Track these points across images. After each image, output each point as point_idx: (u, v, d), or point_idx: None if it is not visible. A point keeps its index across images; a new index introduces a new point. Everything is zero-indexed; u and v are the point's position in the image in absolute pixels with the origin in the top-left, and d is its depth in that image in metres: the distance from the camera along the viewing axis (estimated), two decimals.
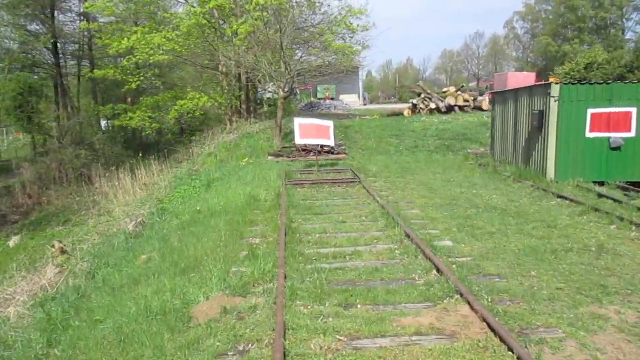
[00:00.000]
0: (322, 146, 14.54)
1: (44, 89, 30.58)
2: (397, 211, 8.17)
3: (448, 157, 16.17)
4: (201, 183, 13.91)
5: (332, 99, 54.19)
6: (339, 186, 11.14)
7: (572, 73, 40.25)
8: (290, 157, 15.90)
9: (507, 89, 15.91)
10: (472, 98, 25.92)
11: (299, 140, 13.20)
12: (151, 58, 21.29)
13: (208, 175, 14.85)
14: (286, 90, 17.54)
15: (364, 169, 13.45)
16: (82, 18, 31.10)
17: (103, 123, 35.40)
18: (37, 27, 30.90)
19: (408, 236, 6.68)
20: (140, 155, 22.18)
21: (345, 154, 15.84)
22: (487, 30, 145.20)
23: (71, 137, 31.30)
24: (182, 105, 22.04)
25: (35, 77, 31.57)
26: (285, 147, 16.97)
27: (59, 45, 30.89)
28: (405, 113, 23.71)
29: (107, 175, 23.59)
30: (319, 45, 19.83)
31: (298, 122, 13.26)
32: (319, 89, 54.60)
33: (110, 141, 30.84)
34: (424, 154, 16.83)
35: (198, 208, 10.20)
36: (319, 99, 52.36)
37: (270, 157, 16.44)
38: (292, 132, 19.15)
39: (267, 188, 10.71)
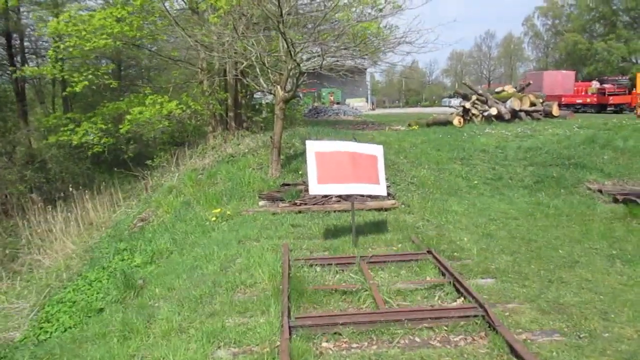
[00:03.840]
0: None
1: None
2: None
3: (568, 201, 9.35)
4: (123, 271, 7.09)
5: (338, 103, 47.88)
6: (436, 337, 4.21)
7: None
8: (296, 204, 9.07)
9: None
10: (541, 100, 19.09)
11: (317, 188, 6.27)
12: (87, 45, 14.55)
13: (146, 248, 8.06)
14: (288, 88, 10.69)
15: (447, 243, 6.66)
16: None
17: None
18: None
19: None
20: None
21: (395, 198, 8.95)
22: (497, 30, 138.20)
23: (19, 153, 24.85)
24: (138, 114, 15.20)
25: None
26: (287, 185, 10.10)
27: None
28: (455, 121, 16.85)
29: (53, 204, 17.39)
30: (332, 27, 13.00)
31: (313, 150, 6.39)
32: (322, 92, 48.37)
33: (69, 158, 24.13)
34: (520, 194, 10.02)
35: None
36: (323, 103, 45.99)
37: (262, 203, 9.61)
38: (297, 155, 12.27)
39: (248, 323, 4.05)
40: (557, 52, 71.82)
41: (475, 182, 10.79)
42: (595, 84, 42.97)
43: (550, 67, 68.02)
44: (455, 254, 6.22)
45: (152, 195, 12.85)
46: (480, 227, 7.45)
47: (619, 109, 37.70)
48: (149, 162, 15.21)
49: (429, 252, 5.87)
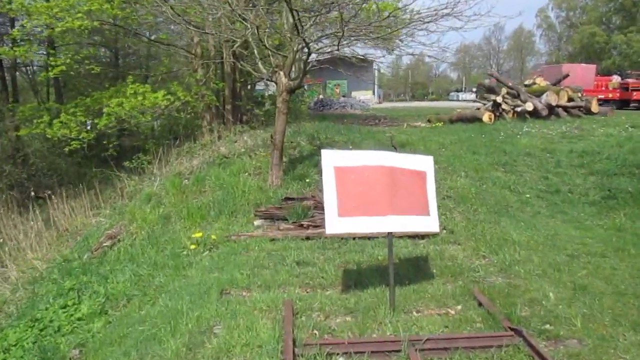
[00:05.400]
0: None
1: None
2: None
3: None
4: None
5: (344, 95, 45.75)
6: None
7: None
8: (303, 226, 6.91)
9: None
10: (579, 95, 16.86)
11: (337, 224, 4.06)
12: (59, 25, 12.38)
13: (99, 290, 5.90)
14: (294, 75, 8.48)
15: (527, 304, 4.52)
16: None
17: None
18: None
19: None
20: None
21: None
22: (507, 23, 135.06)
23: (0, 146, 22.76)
24: (117, 106, 12.98)
25: None
26: (291, 199, 7.90)
27: None
28: (485, 118, 14.63)
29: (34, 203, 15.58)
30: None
31: (332, 164, 4.17)
32: (328, 84, 46.26)
33: (54, 152, 21.99)
34: (587, 213, 7.90)
35: None
36: (329, 96, 43.83)
37: (258, 222, 7.45)
38: (303, 157, 10.10)
39: None
40: (570, 45, 69.19)
41: (527, 195, 8.59)
42: (616, 78, 40.60)
43: (562, 60, 65.46)
44: (549, 326, 4.04)
45: (127, 203, 10.67)
46: (563, 273, 5.24)
47: None
48: (127, 163, 12.98)
49: (516, 331, 3.69)
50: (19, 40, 15.13)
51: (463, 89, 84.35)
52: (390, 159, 4.33)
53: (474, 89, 79.71)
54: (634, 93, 37.00)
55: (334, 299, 4.66)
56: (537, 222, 7.30)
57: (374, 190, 4.16)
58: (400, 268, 5.30)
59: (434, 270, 5.33)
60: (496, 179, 9.16)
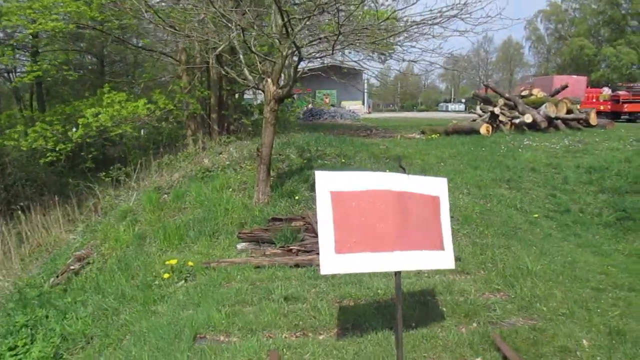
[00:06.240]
0: None
1: None
2: None
3: None
4: None
5: (333, 105, 45.21)
6: None
7: None
8: (291, 251, 6.16)
9: None
10: (577, 106, 16.35)
11: (334, 262, 3.34)
12: (31, 27, 11.60)
13: (55, 328, 5.09)
14: (283, 83, 7.76)
15: (558, 355, 3.74)
16: None
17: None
18: None
19: None
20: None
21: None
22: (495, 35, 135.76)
23: None
24: (92, 117, 12.13)
25: None
26: (278, 220, 7.15)
27: None
28: (483, 130, 14.00)
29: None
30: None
31: (327, 188, 3.43)
32: (317, 94, 45.70)
33: (32, 162, 20.98)
34: (602, 237, 7.27)
35: None
36: (318, 105, 43.24)
37: (241, 246, 6.67)
38: (292, 172, 9.37)
39: None
40: (559, 57, 69.44)
41: (535, 215, 7.91)
42: (606, 91, 40.52)
43: (551, 72, 65.58)
44: None
45: (101, 220, 9.83)
46: (593, 312, 4.53)
47: (633, 118, 35.28)
48: (102, 175, 12.10)
49: None
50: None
51: (452, 100, 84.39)
52: (398, 182, 3.60)
53: (463, 100, 79.73)
54: (625, 105, 36.95)
55: (329, 347, 3.90)
56: (550, 247, 6.60)
57: (379, 221, 3.43)
58: (404, 305, 4.56)
59: (444, 309, 4.60)
60: (501, 197, 8.48)
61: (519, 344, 3.90)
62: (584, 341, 3.97)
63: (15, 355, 4.78)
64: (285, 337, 4.12)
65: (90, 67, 26.53)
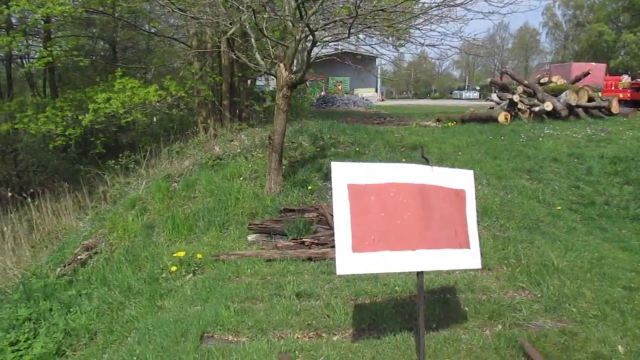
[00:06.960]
0: None
1: None
2: None
3: None
4: None
5: (346, 92, 44.78)
6: None
7: None
8: (304, 244, 5.91)
9: None
10: (599, 94, 15.84)
11: (351, 262, 3.09)
12: (39, 11, 11.38)
13: (59, 323, 4.90)
14: (296, 68, 7.45)
15: None
16: None
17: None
18: None
19: None
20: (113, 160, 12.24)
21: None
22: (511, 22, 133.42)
23: None
24: (103, 102, 11.94)
25: None
26: (291, 210, 6.89)
27: None
28: (501, 118, 13.58)
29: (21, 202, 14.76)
30: None
31: (345, 181, 3.15)
32: (330, 81, 45.31)
33: (44, 147, 20.92)
34: (631, 230, 6.94)
35: None
36: (330, 93, 42.84)
37: (252, 237, 6.43)
38: (305, 160, 9.10)
39: None
40: (577, 44, 68.03)
41: (558, 207, 7.57)
42: (626, 78, 39.53)
43: (568, 59, 64.31)
44: None
45: (110, 208, 9.66)
46: (627, 314, 4.23)
47: None
48: (112, 162, 11.92)
49: None
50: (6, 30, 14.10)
51: (466, 87, 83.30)
52: (421, 174, 3.31)
53: (478, 87, 78.58)
54: None
55: (344, 350, 3.65)
56: (575, 241, 6.28)
57: (400, 216, 3.15)
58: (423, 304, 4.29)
59: (466, 308, 4.33)
60: (522, 188, 8.13)
61: (548, 350, 3.62)
62: (620, 347, 3.67)
63: (17, 350, 4.60)
64: (297, 338, 3.88)
65: (102, 54, 26.35)
